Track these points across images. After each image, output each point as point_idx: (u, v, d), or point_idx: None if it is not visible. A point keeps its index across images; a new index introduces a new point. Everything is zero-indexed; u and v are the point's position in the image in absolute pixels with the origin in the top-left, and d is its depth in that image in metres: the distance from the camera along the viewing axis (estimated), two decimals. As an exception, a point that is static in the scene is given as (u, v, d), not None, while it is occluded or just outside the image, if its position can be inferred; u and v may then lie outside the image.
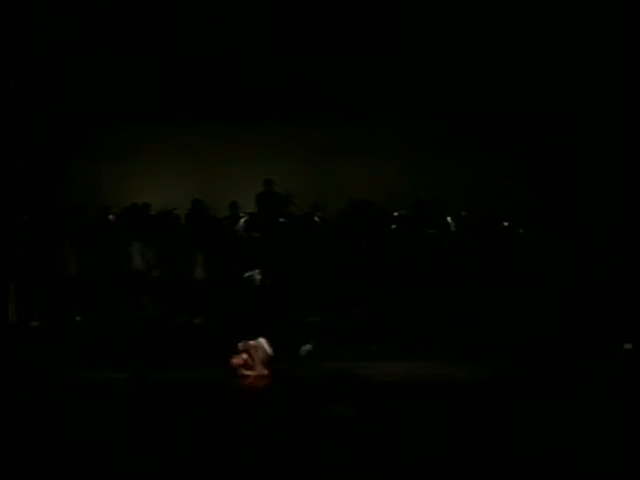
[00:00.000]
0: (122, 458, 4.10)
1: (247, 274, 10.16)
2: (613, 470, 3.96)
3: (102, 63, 13.46)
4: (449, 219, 13.19)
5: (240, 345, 9.16)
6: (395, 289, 12.18)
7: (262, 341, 9.24)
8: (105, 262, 12.07)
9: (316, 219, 13.51)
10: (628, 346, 9.80)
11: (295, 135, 14.15)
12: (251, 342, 9.18)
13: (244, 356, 9.07)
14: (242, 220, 13.34)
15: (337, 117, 14.02)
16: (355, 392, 5.33)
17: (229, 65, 13.67)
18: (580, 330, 10.62)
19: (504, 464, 4.13)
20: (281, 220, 13.13)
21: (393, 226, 13.21)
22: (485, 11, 12.01)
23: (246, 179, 13.75)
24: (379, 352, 10.46)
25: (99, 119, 13.99)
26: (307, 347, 9.30)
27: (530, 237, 13.05)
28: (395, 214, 13.47)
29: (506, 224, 13.14)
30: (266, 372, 9.01)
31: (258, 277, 11.11)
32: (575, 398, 5.31)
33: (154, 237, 12.45)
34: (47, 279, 11.85)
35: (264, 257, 13.03)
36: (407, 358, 10.03)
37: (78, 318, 11.49)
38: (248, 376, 8.93)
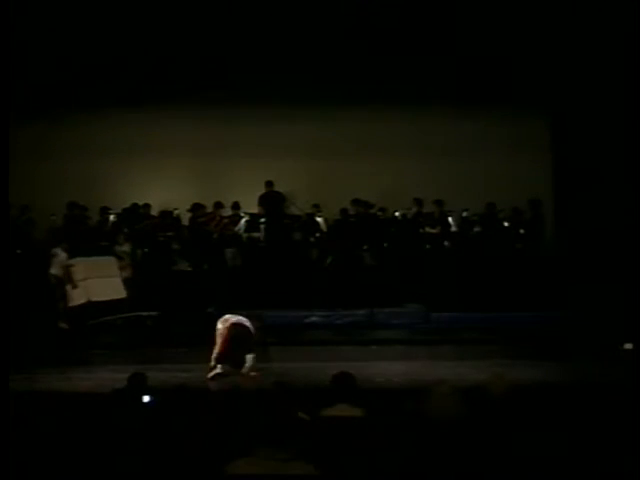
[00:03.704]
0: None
1: None
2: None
3: (103, 63, 13.45)
4: (450, 219, 13.20)
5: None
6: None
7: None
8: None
9: (317, 219, 13.53)
10: (628, 346, 9.79)
11: (296, 135, 14.13)
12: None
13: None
14: (243, 220, 13.35)
15: (338, 117, 14.01)
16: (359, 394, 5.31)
17: (231, 64, 13.66)
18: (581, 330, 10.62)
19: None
20: (285, 220, 13.17)
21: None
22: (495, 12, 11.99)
23: (246, 179, 13.76)
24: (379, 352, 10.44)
25: (99, 118, 13.98)
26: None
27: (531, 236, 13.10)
28: (396, 214, 13.48)
29: (506, 224, 13.16)
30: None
31: None
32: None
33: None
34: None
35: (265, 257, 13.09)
36: (407, 359, 10.02)
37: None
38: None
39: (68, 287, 11.57)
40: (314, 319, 11.51)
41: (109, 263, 11.98)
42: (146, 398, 5.86)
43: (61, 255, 11.72)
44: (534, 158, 14.04)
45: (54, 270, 11.64)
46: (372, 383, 8.14)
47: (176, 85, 13.91)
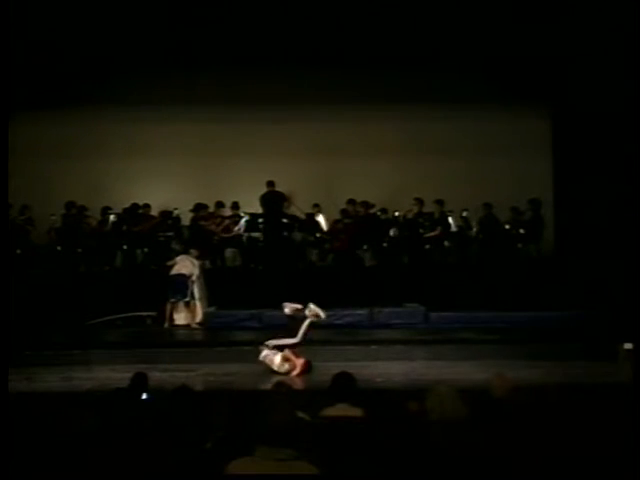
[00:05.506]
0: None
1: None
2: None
3: (103, 63, 13.45)
4: (450, 219, 13.19)
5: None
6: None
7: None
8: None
9: (317, 219, 13.52)
10: (628, 346, 9.77)
11: (296, 135, 14.12)
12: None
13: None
14: (243, 220, 13.34)
15: (338, 117, 13.99)
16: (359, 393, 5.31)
17: (231, 64, 13.66)
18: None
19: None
20: (284, 220, 13.16)
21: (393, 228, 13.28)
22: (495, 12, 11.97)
23: (246, 179, 13.74)
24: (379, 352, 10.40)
25: (99, 118, 13.97)
26: None
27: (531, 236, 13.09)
28: (396, 214, 13.47)
29: (507, 226, 13.15)
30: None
31: None
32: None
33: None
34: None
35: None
36: (407, 359, 9.99)
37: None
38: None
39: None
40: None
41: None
42: (144, 395, 5.89)
43: (195, 263, 12.00)
44: (534, 158, 14.05)
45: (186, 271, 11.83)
46: (372, 383, 8.14)
47: (176, 85, 13.92)
